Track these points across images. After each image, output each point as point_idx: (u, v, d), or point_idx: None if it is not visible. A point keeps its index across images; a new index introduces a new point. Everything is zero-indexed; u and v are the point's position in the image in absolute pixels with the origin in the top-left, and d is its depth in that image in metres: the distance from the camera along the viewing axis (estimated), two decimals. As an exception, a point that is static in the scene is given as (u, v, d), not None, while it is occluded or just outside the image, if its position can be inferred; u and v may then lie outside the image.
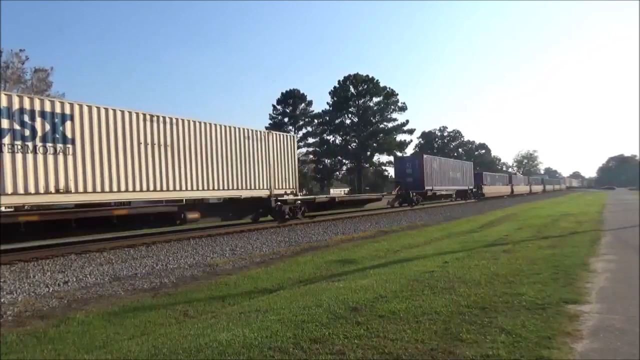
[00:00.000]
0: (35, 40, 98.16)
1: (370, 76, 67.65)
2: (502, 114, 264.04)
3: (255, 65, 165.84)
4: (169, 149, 14.81)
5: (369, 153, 67.87)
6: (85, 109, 12.60)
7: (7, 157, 10.89)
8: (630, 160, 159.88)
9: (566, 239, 11.89)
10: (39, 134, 11.56)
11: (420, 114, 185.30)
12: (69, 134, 12.16)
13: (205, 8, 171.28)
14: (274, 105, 69.36)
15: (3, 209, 11.61)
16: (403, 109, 69.60)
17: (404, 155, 55.68)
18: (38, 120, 11.53)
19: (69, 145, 12.15)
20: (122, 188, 13.28)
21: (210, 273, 10.18)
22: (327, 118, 68.92)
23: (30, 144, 11.34)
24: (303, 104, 69.35)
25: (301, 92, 69.22)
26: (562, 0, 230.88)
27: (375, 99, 68.68)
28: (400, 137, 69.25)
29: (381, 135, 67.76)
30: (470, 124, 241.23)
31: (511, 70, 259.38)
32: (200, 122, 16.10)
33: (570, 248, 10.07)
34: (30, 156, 11.30)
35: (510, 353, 3.80)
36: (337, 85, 68.55)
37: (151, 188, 14.11)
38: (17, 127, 11.16)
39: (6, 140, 10.90)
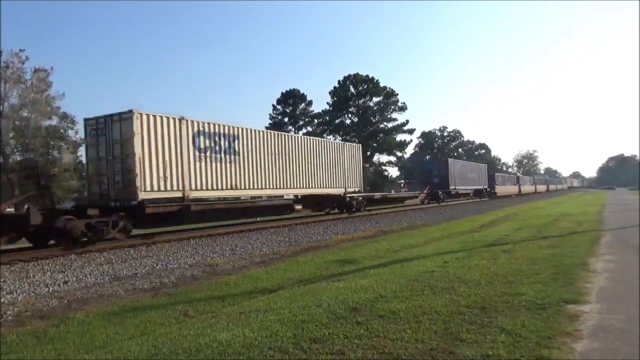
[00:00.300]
0: (35, 40, 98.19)
1: (370, 76, 67.67)
2: (502, 113, 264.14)
3: (255, 65, 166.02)
4: (286, 157, 20.73)
5: (369, 153, 67.83)
6: (245, 131, 18.39)
7: (208, 165, 16.44)
8: (630, 160, 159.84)
9: (566, 239, 11.90)
10: (223, 148, 17.19)
11: (420, 114, 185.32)
12: (236, 149, 17.82)
13: (205, 8, 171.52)
14: (274, 105, 69.39)
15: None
16: (403, 109, 69.63)
17: (432, 159, 60.84)
18: (222, 139, 17.20)
19: (236, 157, 17.80)
20: (263, 186, 19.07)
21: (210, 273, 10.18)
22: (327, 118, 68.93)
23: (219, 156, 16.95)
24: (303, 104, 69.34)
25: (301, 92, 69.24)
26: (562, 0, 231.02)
27: (375, 99, 68.70)
28: (400, 137, 69.30)
29: (381, 135, 67.76)
30: (470, 124, 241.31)
31: (511, 70, 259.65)
32: (303, 137, 23.16)
33: (570, 248, 10.07)
34: (218, 164, 16.91)
35: (510, 353, 3.80)
36: (337, 85, 68.56)
37: (277, 186, 20.04)
38: (213, 144, 16.70)
39: (207, 153, 16.47)
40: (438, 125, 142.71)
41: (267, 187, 19.33)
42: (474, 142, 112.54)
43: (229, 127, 17.55)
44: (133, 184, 13.90)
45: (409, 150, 71.74)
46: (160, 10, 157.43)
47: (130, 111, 14.05)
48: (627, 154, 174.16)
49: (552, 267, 7.69)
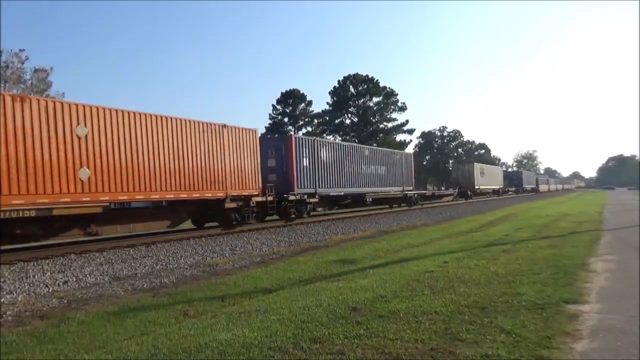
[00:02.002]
0: (35, 40, 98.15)
1: (370, 76, 67.70)
2: (502, 113, 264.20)
3: (255, 65, 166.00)
4: (378, 165, 28.87)
5: (368, 153, 67.87)
6: (326, 144, 25.10)
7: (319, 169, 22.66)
8: (630, 160, 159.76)
9: (566, 239, 11.90)
10: (324, 159, 23.40)
11: (420, 114, 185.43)
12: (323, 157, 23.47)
13: (205, 8, 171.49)
14: (273, 105, 69.37)
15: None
16: (403, 109, 69.67)
17: (457, 164, 68.20)
18: (323, 150, 23.47)
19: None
20: (369, 185, 28.17)
21: (210, 273, 10.18)
22: (327, 118, 68.94)
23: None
24: (303, 104, 69.33)
25: (301, 92, 69.22)
26: (563, 0, 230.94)
27: (375, 99, 68.72)
28: (400, 137, 69.37)
29: (381, 135, 67.78)
30: (470, 124, 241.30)
31: (511, 70, 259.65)
32: (383, 150, 32.03)
33: (570, 248, 10.07)
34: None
35: (510, 353, 3.80)
36: (337, 85, 68.57)
37: (381, 185, 29.44)
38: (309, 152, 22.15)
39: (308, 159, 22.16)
40: (438, 125, 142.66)
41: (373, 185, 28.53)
42: (473, 142, 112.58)
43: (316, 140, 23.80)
44: None
45: (409, 150, 71.76)
46: (160, 10, 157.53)
47: None
48: (626, 154, 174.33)
49: (552, 267, 7.69)
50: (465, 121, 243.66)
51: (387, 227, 20.16)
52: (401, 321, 4.79)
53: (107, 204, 13.21)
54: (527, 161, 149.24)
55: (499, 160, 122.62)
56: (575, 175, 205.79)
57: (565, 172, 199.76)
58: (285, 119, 68.77)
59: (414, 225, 21.41)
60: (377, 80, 67.64)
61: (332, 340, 4.29)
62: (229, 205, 17.38)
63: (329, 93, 68.80)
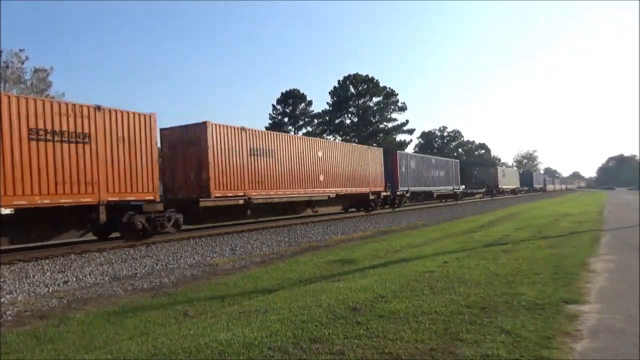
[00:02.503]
0: (35, 40, 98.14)
1: (370, 76, 67.70)
2: (502, 113, 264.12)
3: (255, 65, 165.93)
4: (439, 170, 35.82)
5: (368, 153, 67.88)
6: (413, 156, 35.30)
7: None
8: (630, 160, 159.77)
9: (566, 239, 11.90)
10: (412, 167, 32.92)
11: (420, 114, 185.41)
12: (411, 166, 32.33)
13: (205, 8, 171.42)
14: (273, 105, 69.37)
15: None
16: (403, 109, 69.67)
17: (483, 167, 74.22)
18: (412, 161, 33.69)
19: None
20: (435, 185, 38.13)
21: (210, 273, 10.18)
22: (327, 118, 68.93)
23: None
24: (303, 104, 69.33)
25: (301, 92, 69.22)
26: (563, 0, 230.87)
27: (375, 99, 68.72)
28: (400, 137, 69.38)
29: (381, 135, 67.77)
30: (470, 124, 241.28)
31: (511, 70, 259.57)
32: (443, 159, 39.79)
33: (570, 248, 10.07)
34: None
35: (510, 353, 3.80)
36: (337, 85, 68.57)
37: (442, 185, 38.75)
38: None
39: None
40: (438, 125, 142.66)
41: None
42: (473, 142, 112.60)
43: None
44: None
45: (409, 151, 71.84)
46: (160, 10, 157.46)
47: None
48: (626, 154, 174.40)
49: (552, 267, 7.69)
50: (465, 121, 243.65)
51: (387, 227, 20.16)
52: (401, 321, 4.78)
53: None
54: (527, 161, 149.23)
55: (499, 160, 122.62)
56: (576, 175, 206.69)
57: (565, 172, 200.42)
58: (285, 119, 68.77)
59: (414, 225, 21.41)
60: (377, 80, 67.69)
61: (332, 340, 4.29)
62: (371, 197, 26.83)
63: (329, 93, 68.85)
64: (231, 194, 16.82)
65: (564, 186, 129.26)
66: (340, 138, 68.14)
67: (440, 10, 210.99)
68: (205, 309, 6.76)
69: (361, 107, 68.00)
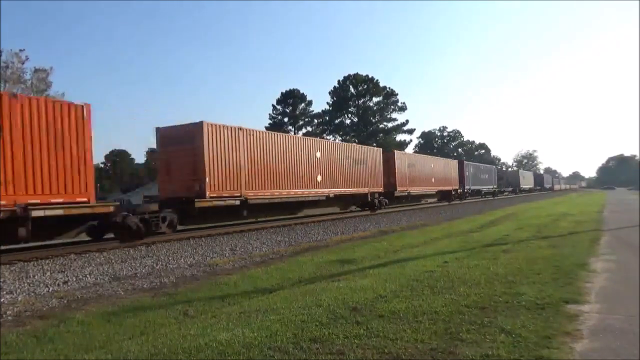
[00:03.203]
0: (35, 40, 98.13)
1: (370, 76, 67.81)
2: (502, 113, 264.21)
3: (255, 65, 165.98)
4: (486, 174, 50.97)
5: (368, 153, 67.94)
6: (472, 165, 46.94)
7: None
8: (630, 160, 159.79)
9: (566, 239, 11.90)
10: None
11: (420, 114, 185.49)
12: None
13: (205, 8, 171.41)
14: (273, 105, 69.44)
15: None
16: (403, 109, 69.76)
17: (505, 170, 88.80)
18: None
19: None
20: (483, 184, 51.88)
21: (210, 273, 10.17)
22: (327, 118, 69.00)
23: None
24: (303, 104, 69.40)
25: (301, 92, 69.26)
26: (562, 0, 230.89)
27: (375, 99, 68.78)
28: (400, 137, 69.51)
29: (381, 135, 67.84)
30: (470, 124, 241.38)
31: (511, 70, 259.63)
32: (488, 166, 55.57)
33: (570, 248, 10.07)
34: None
35: (510, 353, 3.80)
36: (337, 85, 68.64)
37: (487, 185, 53.07)
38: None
39: None
40: (438, 125, 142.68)
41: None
42: (473, 142, 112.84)
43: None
44: None
45: (409, 150, 71.96)
46: (160, 10, 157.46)
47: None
48: (627, 154, 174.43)
49: (552, 267, 7.70)
50: (465, 121, 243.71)
51: (387, 227, 20.15)
52: (401, 321, 4.78)
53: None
54: (527, 161, 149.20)
55: (499, 160, 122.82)
56: (576, 175, 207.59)
57: (565, 172, 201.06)
58: (285, 119, 68.79)
59: (414, 225, 21.40)
60: (377, 80, 67.79)
61: (332, 340, 4.29)
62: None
63: (329, 93, 68.97)
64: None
65: (567, 186, 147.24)
66: (340, 138, 68.22)
67: (440, 10, 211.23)
68: (205, 309, 6.76)
69: (361, 107, 68.05)
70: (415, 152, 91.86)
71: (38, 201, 11.20)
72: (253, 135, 18.36)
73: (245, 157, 17.65)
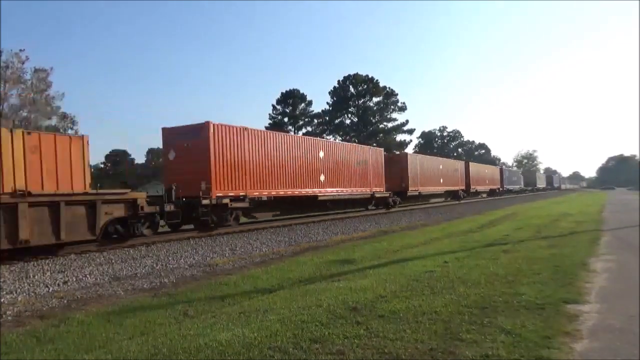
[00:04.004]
0: (35, 40, 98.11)
1: (370, 76, 67.73)
2: (502, 113, 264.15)
3: (255, 65, 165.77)
4: (516, 177, 69.64)
5: (368, 153, 67.97)
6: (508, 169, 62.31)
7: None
8: (630, 160, 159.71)
9: (566, 239, 11.90)
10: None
11: (420, 114, 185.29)
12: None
13: (205, 8, 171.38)
14: (273, 105, 69.38)
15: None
16: (403, 109, 69.71)
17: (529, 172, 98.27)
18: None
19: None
20: (512, 184, 64.53)
21: (210, 273, 10.18)
22: (327, 118, 68.96)
23: None
24: (303, 104, 69.35)
25: (301, 92, 69.24)
26: (562, 0, 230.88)
27: (375, 99, 68.74)
28: (400, 137, 69.46)
29: (381, 135, 67.82)
30: (470, 124, 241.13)
31: (511, 70, 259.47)
32: (517, 169, 76.19)
33: (569, 248, 10.07)
34: None
35: (510, 353, 3.80)
36: (337, 85, 68.59)
37: (517, 184, 70.07)
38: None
39: None
40: (438, 125, 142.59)
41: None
42: (473, 142, 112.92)
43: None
44: None
45: (409, 150, 72.02)
46: (160, 10, 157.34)
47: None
48: (627, 154, 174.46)
49: (552, 267, 7.70)
50: (465, 121, 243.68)
51: (387, 227, 20.15)
52: (401, 321, 4.79)
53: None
54: (527, 161, 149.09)
55: (499, 160, 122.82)
56: (576, 175, 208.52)
57: (565, 172, 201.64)
58: (285, 119, 68.78)
59: (414, 225, 21.40)
60: (377, 80, 67.71)
61: (332, 340, 4.29)
62: (376, 196, 27.26)
63: (329, 93, 68.88)
64: (232, 194, 16.78)
65: (571, 186, 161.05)
66: (340, 138, 68.21)
67: (440, 10, 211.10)
68: (205, 309, 6.76)
69: (361, 107, 68.03)
70: (415, 152, 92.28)
71: (375, 190, 26.20)
72: (258, 135, 18.48)
73: (250, 156, 17.67)
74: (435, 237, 15.04)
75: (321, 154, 22.43)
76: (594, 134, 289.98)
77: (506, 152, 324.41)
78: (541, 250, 9.89)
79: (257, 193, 18.02)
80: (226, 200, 16.46)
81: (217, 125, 16.30)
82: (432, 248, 11.97)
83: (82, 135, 13.24)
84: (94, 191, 12.66)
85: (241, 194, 17.19)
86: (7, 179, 10.90)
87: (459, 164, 43.94)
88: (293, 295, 6.72)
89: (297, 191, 20.39)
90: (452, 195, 41.28)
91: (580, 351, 3.91)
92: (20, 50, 39.34)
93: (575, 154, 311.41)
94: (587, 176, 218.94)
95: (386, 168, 28.54)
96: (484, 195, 50.56)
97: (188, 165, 16.13)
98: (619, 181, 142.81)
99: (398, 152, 44.03)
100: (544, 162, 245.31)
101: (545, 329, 4.42)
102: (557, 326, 4.52)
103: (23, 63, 39.50)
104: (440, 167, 37.68)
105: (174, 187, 14.80)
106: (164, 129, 16.93)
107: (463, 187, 42.73)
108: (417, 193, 32.30)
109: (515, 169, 76.46)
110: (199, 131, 16.03)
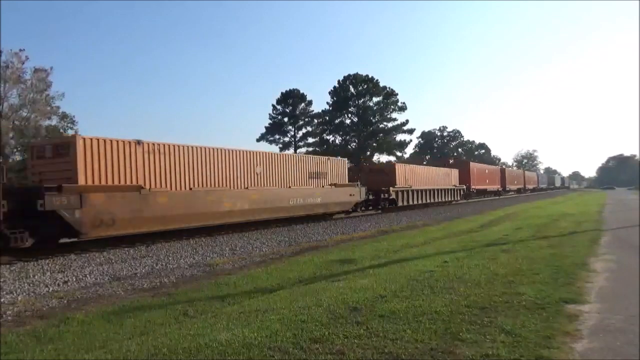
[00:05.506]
0: (35, 40, 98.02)
1: (370, 76, 67.59)
2: (502, 113, 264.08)
3: (255, 65, 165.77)
4: (534, 178, 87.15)
5: (368, 153, 67.90)
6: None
7: None
8: (630, 160, 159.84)
9: (566, 239, 11.90)
10: None
11: (420, 114, 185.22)
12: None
13: (205, 8, 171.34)
14: (273, 105, 69.28)
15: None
16: (403, 108, 69.55)
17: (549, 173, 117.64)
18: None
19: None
20: (531, 184, 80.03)
21: (210, 273, 10.18)
22: (327, 118, 68.84)
23: None
24: (303, 104, 69.23)
25: (301, 92, 69.17)
26: (562, 0, 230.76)
27: (375, 99, 68.62)
28: (400, 137, 69.29)
29: (381, 135, 67.73)
30: (470, 124, 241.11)
31: (510, 70, 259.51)
32: (534, 172, 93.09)
33: (569, 248, 10.07)
34: None
35: (510, 353, 3.80)
36: (337, 85, 68.46)
37: (544, 184, 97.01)
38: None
39: None
40: (438, 125, 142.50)
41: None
42: (473, 142, 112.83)
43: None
44: None
45: (409, 150, 72.14)
46: (160, 10, 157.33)
47: None
48: (627, 153, 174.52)
49: (552, 267, 7.70)
50: (465, 121, 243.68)
51: (387, 227, 20.15)
52: (401, 321, 4.78)
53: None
54: (527, 161, 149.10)
55: (499, 160, 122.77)
56: (576, 175, 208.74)
57: (565, 172, 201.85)
58: (285, 119, 68.73)
59: (414, 225, 21.40)
60: (377, 80, 67.58)
61: (332, 340, 4.29)
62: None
63: (329, 93, 68.69)
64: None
65: (576, 185, 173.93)
66: (340, 138, 68.23)
67: (440, 10, 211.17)
68: (205, 309, 6.76)
69: (361, 107, 67.92)
70: (415, 152, 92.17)
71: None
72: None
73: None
74: (435, 237, 15.04)
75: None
76: (594, 134, 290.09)
77: (506, 152, 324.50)
78: (541, 250, 9.89)
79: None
80: None
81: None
82: (432, 248, 11.97)
83: None
84: None
85: None
86: None
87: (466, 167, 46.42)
88: (293, 295, 6.72)
89: (530, 187, 33.45)
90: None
91: (580, 351, 3.91)
92: (20, 50, 39.30)
93: (575, 154, 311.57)
94: (587, 176, 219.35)
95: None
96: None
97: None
98: (619, 181, 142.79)
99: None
100: (544, 162, 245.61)
101: (545, 328, 4.42)
102: (557, 326, 4.52)
103: (23, 63, 39.46)
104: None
105: None
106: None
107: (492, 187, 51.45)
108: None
109: (543, 174, 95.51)
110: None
